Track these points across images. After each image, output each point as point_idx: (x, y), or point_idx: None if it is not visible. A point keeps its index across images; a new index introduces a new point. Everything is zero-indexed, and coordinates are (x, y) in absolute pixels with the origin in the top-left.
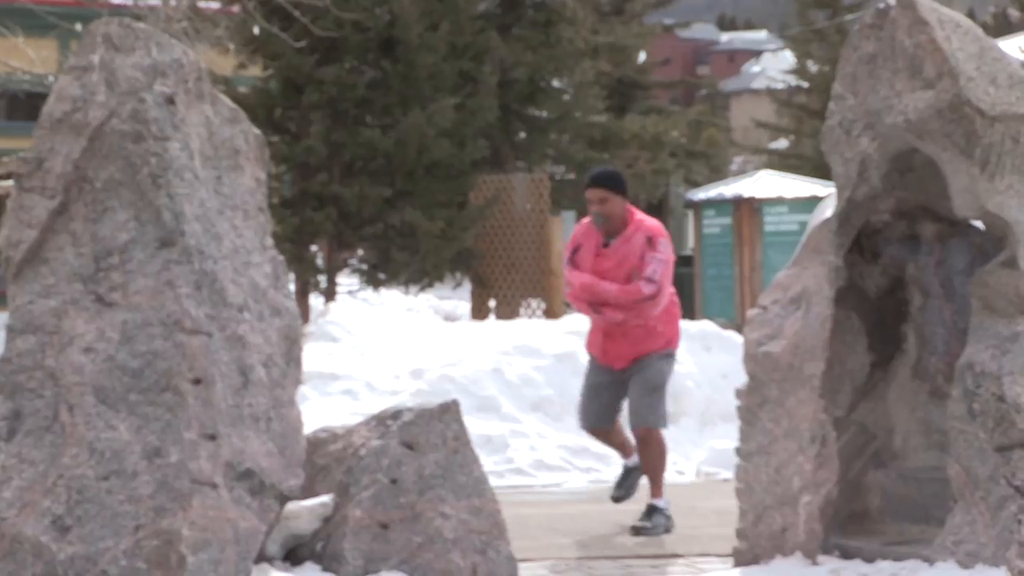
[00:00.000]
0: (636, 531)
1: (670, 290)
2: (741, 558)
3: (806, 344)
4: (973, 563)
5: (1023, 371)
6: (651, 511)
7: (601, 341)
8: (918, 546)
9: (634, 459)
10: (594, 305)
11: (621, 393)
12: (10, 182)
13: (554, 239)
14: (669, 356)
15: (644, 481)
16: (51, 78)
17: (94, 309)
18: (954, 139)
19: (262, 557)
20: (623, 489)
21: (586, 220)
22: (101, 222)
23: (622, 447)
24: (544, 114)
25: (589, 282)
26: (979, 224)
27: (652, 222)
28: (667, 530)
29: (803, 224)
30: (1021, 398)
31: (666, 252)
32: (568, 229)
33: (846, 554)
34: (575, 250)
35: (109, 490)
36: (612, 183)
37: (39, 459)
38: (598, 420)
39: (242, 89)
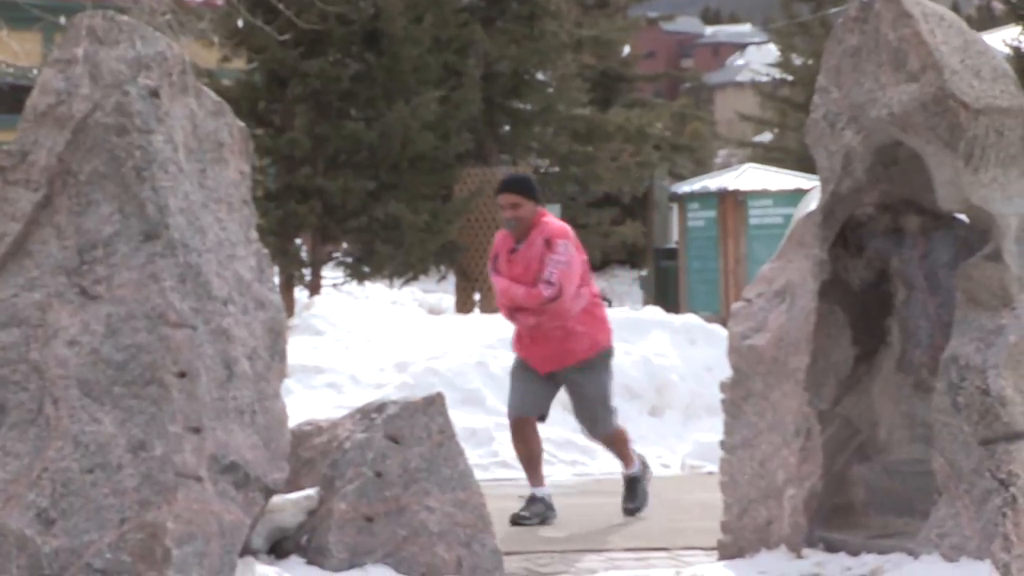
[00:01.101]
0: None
1: (589, 290)
2: (726, 551)
3: (790, 337)
4: (957, 556)
5: (1007, 364)
6: (633, 479)
7: (527, 344)
8: (902, 539)
9: (633, 469)
10: (511, 310)
11: (550, 391)
12: None
13: None
14: (604, 360)
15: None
16: (35, 71)
17: (78, 302)
18: (938, 132)
19: (247, 550)
20: (631, 501)
21: (504, 231)
22: (85, 215)
23: (531, 463)
24: (528, 107)
25: (505, 286)
26: (963, 217)
27: (555, 224)
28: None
29: (788, 217)
30: (1005, 391)
31: (566, 253)
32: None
33: (831, 547)
34: (495, 257)
35: (94, 483)
36: (524, 189)
37: (23, 452)
38: (523, 406)
39: (226, 82)
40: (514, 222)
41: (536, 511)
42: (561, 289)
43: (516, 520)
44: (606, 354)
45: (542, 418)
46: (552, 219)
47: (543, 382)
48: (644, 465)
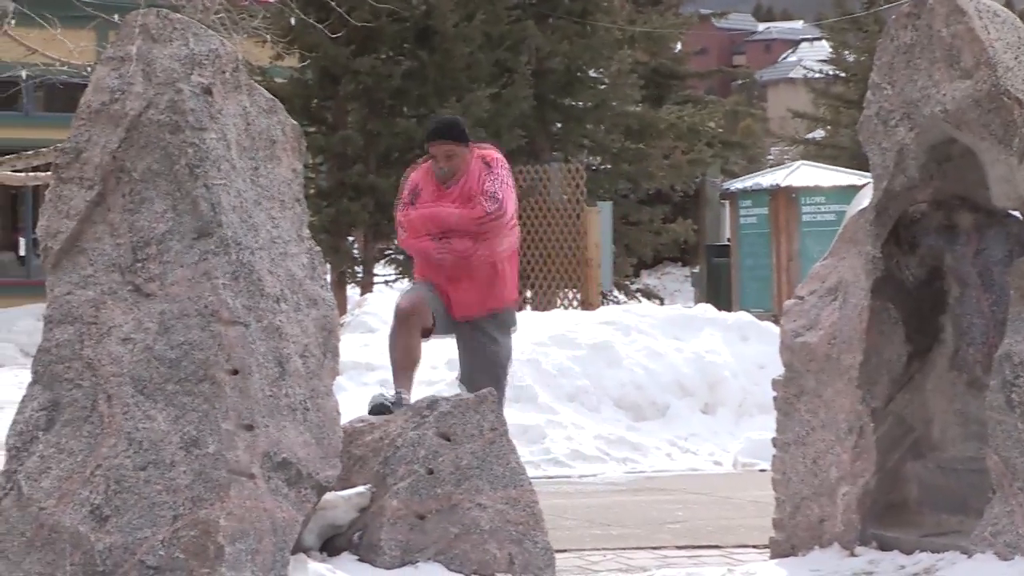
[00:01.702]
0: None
1: (517, 229)
2: (778, 549)
3: (843, 335)
4: (1012, 554)
5: None
6: None
7: (444, 287)
8: (956, 537)
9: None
10: (439, 237)
11: (451, 324)
12: (49, 173)
13: (590, 229)
14: (514, 317)
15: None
16: (89, 69)
17: (132, 299)
18: (992, 129)
19: (299, 547)
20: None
21: (422, 164)
22: (139, 213)
23: (405, 368)
24: (580, 104)
25: (429, 212)
26: (1017, 214)
27: (488, 148)
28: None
29: (840, 214)
30: None
31: (505, 175)
32: (605, 220)
33: (884, 545)
34: (414, 193)
35: (147, 480)
36: (459, 135)
37: (77, 449)
38: (424, 299)
39: (279, 79)
40: (448, 171)
41: (398, 402)
42: (503, 206)
43: (380, 405)
44: (515, 309)
45: (427, 333)
46: (479, 144)
47: (448, 311)
48: None
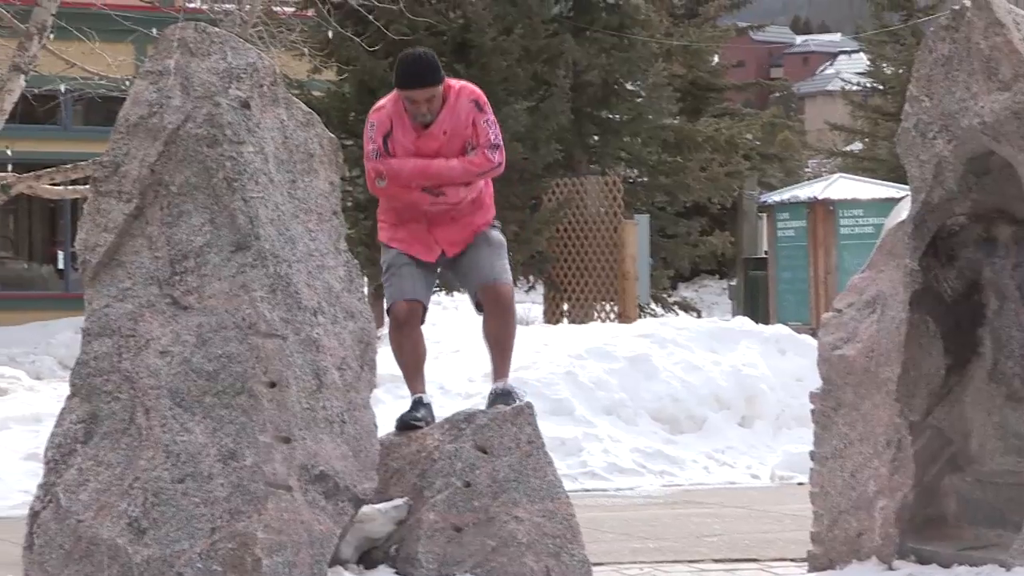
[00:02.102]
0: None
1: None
2: (816, 562)
3: (881, 348)
4: None
5: None
6: (508, 395)
7: (424, 231)
8: (995, 551)
9: (426, 397)
10: (433, 190)
11: (432, 281)
12: (87, 186)
13: (628, 242)
14: (497, 228)
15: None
16: (127, 82)
17: (170, 312)
18: None
19: (336, 560)
20: (424, 417)
21: (387, 101)
22: (177, 226)
23: (418, 366)
24: (617, 117)
25: (422, 166)
26: None
27: (467, 84)
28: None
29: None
30: None
31: (492, 113)
32: (642, 232)
33: (922, 559)
34: (386, 137)
35: (185, 492)
36: (437, 77)
37: (116, 461)
38: (415, 290)
39: (316, 93)
40: (429, 115)
41: (424, 415)
42: (503, 153)
43: (406, 422)
44: (499, 226)
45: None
46: (453, 80)
47: (429, 273)
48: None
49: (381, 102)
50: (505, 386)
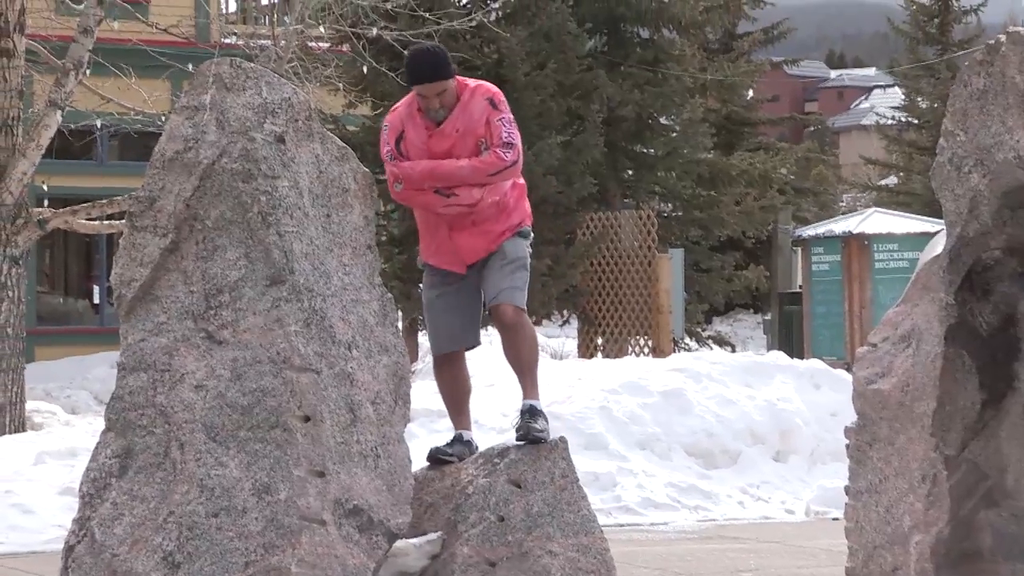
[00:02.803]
0: (525, 434)
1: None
2: None
3: (916, 382)
4: None
5: None
6: (533, 412)
7: (446, 239)
8: None
9: (469, 434)
10: (444, 191)
11: (476, 305)
12: (123, 221)
13: (662, 276)
14: (523, 235)
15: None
16: (163, 118)
17: (204, 347)
18: None
19: None
20: (459, 452)
21: (402, 104)
22: (212, 260)
23: (458, 403)
24: (651, 151)
25: (431, 167)
26: None
27: (481, 82)
28: (546, 432)
29: (913, 261)
30: None
31: (509, 113)
32: (676, 266)
33: None
34: (399, 139)
35: (219, 527)
36: (447, 70)
37: (150, 496)
38: (455, 336)
39: (351, 127)
40: (443, 110)
41: (458, 451)
42: (519, 152)
43: (436, 456)
44: (528, 231)
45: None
46: (467, 78)
47: (468, 296)
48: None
49: (397, 104)
50: (531, 404)
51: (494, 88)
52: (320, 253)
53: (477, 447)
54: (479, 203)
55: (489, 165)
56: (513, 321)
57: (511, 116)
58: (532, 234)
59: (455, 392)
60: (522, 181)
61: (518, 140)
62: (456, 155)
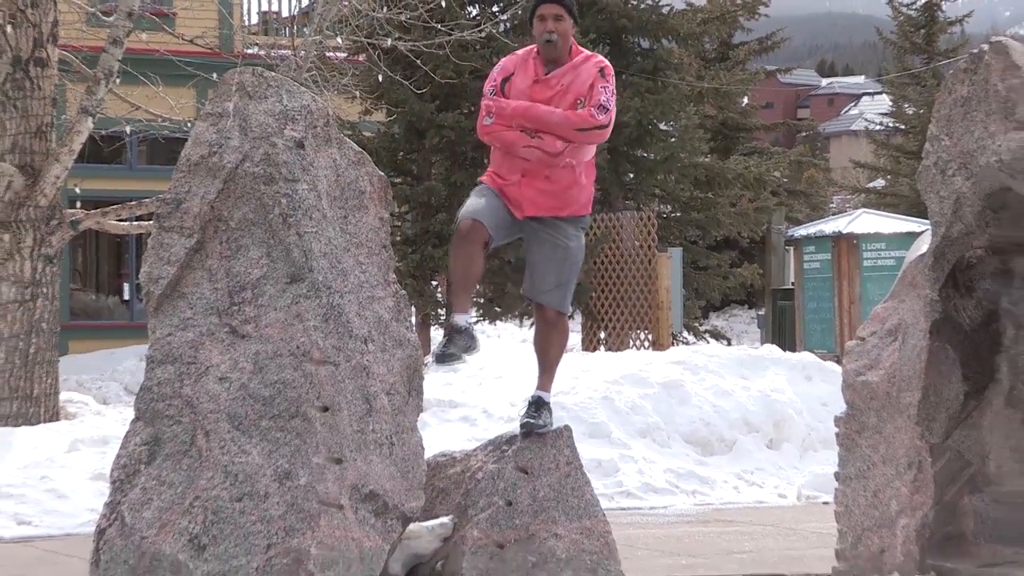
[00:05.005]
0: (527, 429)
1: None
2: None
3: (903, 374)
4: None
5: None
6: (539, 404)
7: (517, 184)
8: (1012, 567)
9: (465, 318)
10: (530, 132)
11: (513, 225)
12: (151, 222)
13: (661, 274)
14: (582, 228)
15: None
16: (189, 124)
17: (228, 341)
18: None
19: (385, 575)
20: (461, 346)
21: (522, 51)
22: (235, 259)
23: (467, 290)
24: (651, 156)
25: (527, 107)
26: None
27: (598, 54)
28: (548, 425)
29: (900, 259)
30: None
31: (614, 87)
32: (675, 265)
33: (942, 575)
34: (505, 79)
35: (242, 511)
36: (569, 3)
37: (177, 481)
38: (482, 212)
39: (367, 133)
40: (556, 37)
41: (462, 345)
42: (611, 119)
43: (443, 356)
44: (587, 221)
45: (486, 245)
46: (586, 50)
47: (513, 225)
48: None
49: (513, 54)
50: (540, 395)
51: (607, 62)
52: (337, 252)
53: (475, 332)
54: (559, 155)
55: (580, 120)
56: (555, 320)
57: (614, 89)
58: (587, 227)
59: (467, 269)
60: (594, 168)
61: (613, 109)
62: (554, 105)
